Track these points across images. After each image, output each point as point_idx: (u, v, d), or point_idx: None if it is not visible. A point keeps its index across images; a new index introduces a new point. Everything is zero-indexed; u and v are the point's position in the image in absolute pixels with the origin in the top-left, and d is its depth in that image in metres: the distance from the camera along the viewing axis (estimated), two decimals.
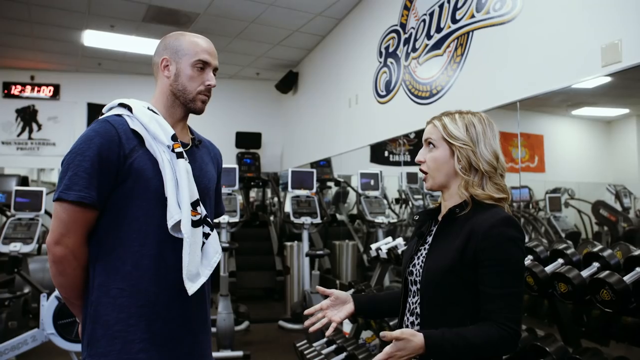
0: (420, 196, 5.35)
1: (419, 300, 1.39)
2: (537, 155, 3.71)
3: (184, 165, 1.41)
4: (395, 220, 5.41)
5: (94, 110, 8.08)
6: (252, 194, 8.92)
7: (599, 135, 3.82)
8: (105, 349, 1.35)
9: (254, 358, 4.40)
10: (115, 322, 1.35)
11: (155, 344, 1.37)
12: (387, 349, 1.21)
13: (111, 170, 1.35)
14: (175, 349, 1.41)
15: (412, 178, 5.42)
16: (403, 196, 5.54)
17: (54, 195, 1.35)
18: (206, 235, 1.45)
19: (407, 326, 1.43)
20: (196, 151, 1.55)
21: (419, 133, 4.73)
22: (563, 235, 3.86)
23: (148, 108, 1.46)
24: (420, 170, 1.45)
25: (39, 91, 8.11)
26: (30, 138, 8.08)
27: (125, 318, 1.35)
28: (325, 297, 1.53)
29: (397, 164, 5.35)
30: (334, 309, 1.51)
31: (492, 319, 1.25)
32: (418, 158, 1.45)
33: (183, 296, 1.39)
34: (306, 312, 1.52)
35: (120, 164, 1.36)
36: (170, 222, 1.36)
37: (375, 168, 5.73)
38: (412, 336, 1.21)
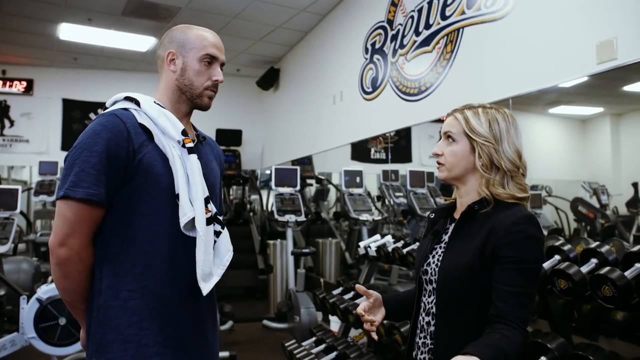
0: (401, 194, 5.36)
1: (434, 300, 1.36)
2: None
3: (195, 161, 1.37)
4: (380, 218, 5.40)
5: (70, 106, 7.88)
6: (231, 191, 8.84)
7: (574, 134, 3.88)
8: (117, 354, 1.30)
9: (241, 358, 4.34)
10: (127, 325, 1.30)
11: (170, 347, 1.34)
12: None
13: (120, 166, 1.29)
14: (188, 352, 1.38)
15: (395, 176, 5.42)
16: (387, 194, 5.54)
17: (57, 192, 1.29)
18: (217, 234, 1.42)
19: (422, 326, 1.41)
20: (201, 148, 1.52)
21: (402, 131, 4.72)
22: (546, 232, 3.91)
23: (155, 102, 1.41)
24: (437, 162, 1.41)
25: (11, 86, 7.85)
26: (2, 134, 7.82)
27: (137, 321, 1.30)
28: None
29: (378, 161, 5.34)
30: (371, 313, 1.47)
31: (504, 317, 1.21)
32: (435, 150, 1.41)
33: (195, 297, 1.36)
34: (358, 312, 1.45)
35: (130, 160, 1.30)
36: (183, 220, 1.32)
37: (356, 165, 5.72)
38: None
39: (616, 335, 2.39)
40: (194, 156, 1.37)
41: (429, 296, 1.38)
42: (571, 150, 3.92)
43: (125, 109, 1.37)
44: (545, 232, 3.92)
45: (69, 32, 6.55)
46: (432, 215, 1.49)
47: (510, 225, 1.25)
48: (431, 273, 1.38)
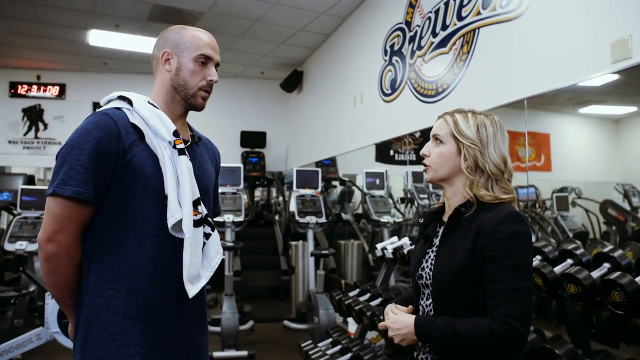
0: (425, 195, 5.32)
1: (432, 303, 1.38)
2: (543, 154, 3.67)
3: (185, 162, 1.37)
4: (400, 220, 5.38)
5: None
6: (257, 193, 8.92)
7: (606, 134, 3.78)
8: (100, 352, 1.29)
9: (259, 358, 4.39)
10: (111, 323, 1.30)
11: (152, 348, 1.32)
12: (387, 322, 1.41)
13: (109, 165, 1.30)
14: (172, 353, 1.37)
15: (417, 177, 5.39)
16: (409, 195, 5.52)
17: (47, 189, 1.29)
18: (207, 236, 1.41)
19: None
20: (196, 148, 1.51)
21: (425, 132, 4.69)
22: (571, 235, 3.83)
23: (148, 102, 1.42)
24: (423, 163, 1.44)
25: (45, 91, 8.14)
26: (36, 137, 8.11)
27: (121, 320, 1.30)
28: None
29: (403, 163, 5.32)
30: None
31: (492, 314, 1.23)
32: (423, 151, 1.44)
33: (182, 298, 1.34)
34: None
35: (119, 159, 1.31)
36: (170, 221, 1.32)
37: (380, 167, 5.70)
38: (404, 317, 1.37)
39: (637, 342, 2.33)
40: (184, 157, 1.37)
41: (427, 299, 1.40)
42: (603, 151, 3.82)
43: (118, 108, 1.38)
44: (570, 235, 3.84)
45: (98, 38, 6.74)
46: (422, 220, 1.51)
47: (494, 224, 1.26)
48: (426, 277, 1.39)
